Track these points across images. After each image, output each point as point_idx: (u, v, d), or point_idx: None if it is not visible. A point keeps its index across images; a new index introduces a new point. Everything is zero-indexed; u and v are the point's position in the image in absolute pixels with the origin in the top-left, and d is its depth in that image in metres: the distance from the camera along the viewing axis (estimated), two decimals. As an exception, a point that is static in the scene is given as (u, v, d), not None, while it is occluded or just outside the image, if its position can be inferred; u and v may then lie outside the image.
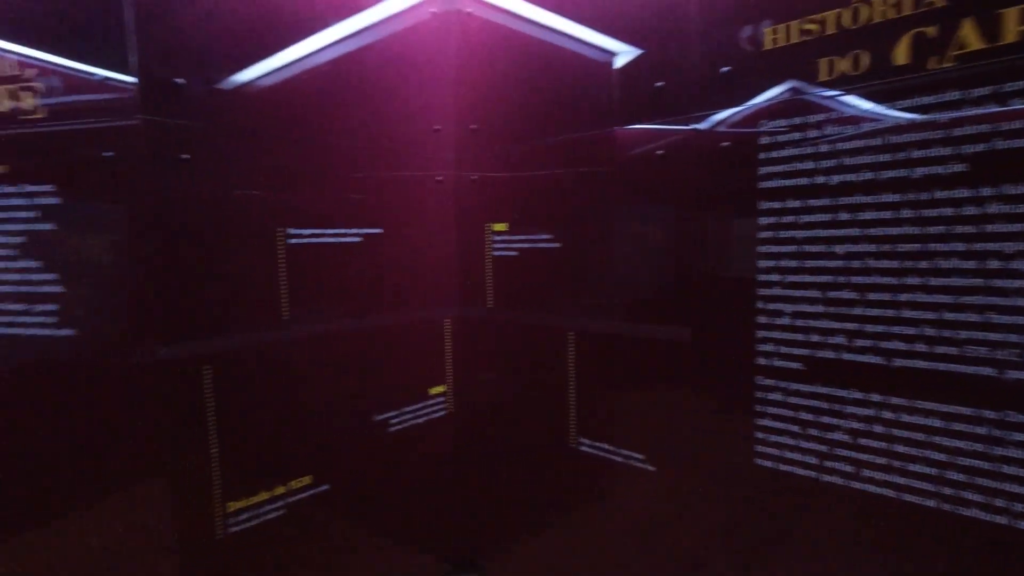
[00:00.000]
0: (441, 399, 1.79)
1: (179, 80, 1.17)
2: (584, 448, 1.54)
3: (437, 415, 1.78)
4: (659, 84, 1.28)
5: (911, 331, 0.96)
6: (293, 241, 1.38)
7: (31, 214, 1.21)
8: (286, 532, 1.42)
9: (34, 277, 1.22)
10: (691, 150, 1.24)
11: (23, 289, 1.23)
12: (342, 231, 1.49)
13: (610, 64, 1.37)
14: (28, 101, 1.19)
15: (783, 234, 1.10)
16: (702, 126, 1.21)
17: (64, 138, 1.18)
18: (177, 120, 1.17)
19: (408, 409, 1.70)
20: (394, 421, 1.66)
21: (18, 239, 1.22)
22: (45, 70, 1.17)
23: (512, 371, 1.72)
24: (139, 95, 1.12)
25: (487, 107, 1.64)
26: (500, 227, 1.67)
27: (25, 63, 1.18)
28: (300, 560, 1.46)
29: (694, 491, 1.31)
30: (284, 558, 1.43)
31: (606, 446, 1.49)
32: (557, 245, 1.54)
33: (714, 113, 1.19)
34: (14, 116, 1.20)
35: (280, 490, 1.41)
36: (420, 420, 1.73)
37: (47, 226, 1.21)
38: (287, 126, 1.36)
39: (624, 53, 1.34)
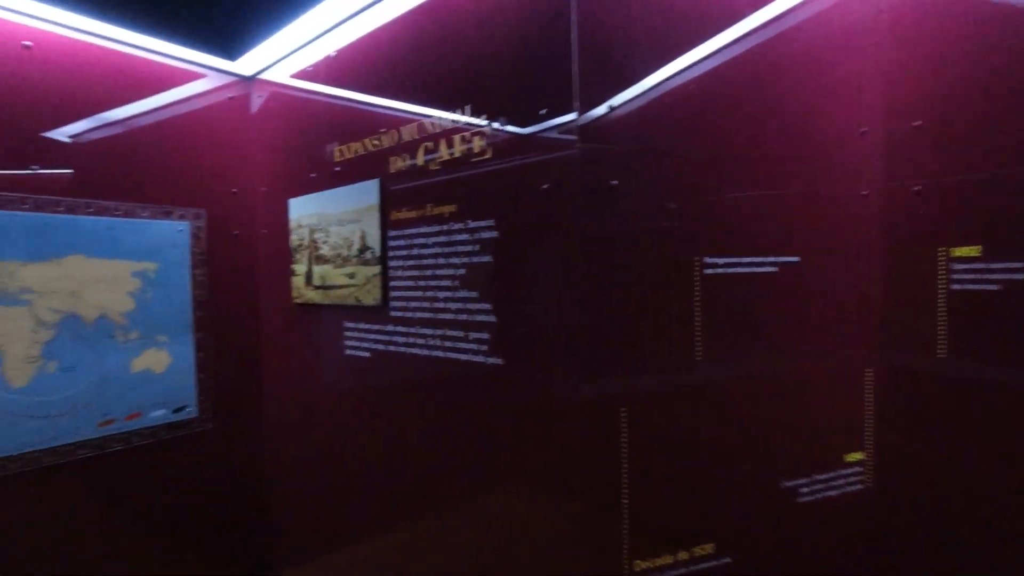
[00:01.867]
0: (858, 469, 1.41)
1: (610, 106, 1.12)
2: None
3: (853, 488, 1.41)
4: None
5: None
6: (709, 271, 1.21)
7: (473, 247, 1.30)
8: (689, 606, 1.23)
9: (472, 307, 1.31)
10: None
11: (462, 317, 1.33)
12: (757, 260, 1.27)
13: None
14: (477, 144, 1.28)
15: None
16: None
17: (506, 175, 1.23)
18: (609, 146, 1.12)
19: (820, 477, 1.37)
20: (804, 490, 1.35)
21: (460, 271, 1.33)
22: (492, 114, 1.25)
23: (957, 443, 1.25)
24: (577, 126, 1.09)
25: (941, 94, 1.25)
26: (966, 251, 1.24)
27: (477, 110, 1.28)
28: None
29: None
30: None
31: None
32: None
33: None
34: (466, 160, 1.31)
35: (683, 556, 1.23)
36: (833, 492, 1.39)
37: (485, 259, 1.28)
38: (700, 141, 1.21)
39: None
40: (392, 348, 1.52)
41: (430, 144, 1.40)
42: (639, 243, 1.16)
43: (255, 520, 2.09)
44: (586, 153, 1.10)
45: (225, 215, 1.99)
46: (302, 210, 1.82)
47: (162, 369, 1.83)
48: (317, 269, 1.77)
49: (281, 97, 1.93)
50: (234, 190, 2.02)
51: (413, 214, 1.44)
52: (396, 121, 1.49)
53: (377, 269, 1.54)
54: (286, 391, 1.98)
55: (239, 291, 2.06)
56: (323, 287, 1.74)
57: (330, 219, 1.71)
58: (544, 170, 1.16)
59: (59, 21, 1.61)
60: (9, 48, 1.54)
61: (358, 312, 1.63)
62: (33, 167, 1.57)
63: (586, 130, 1.09)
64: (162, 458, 1.84)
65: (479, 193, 1.29)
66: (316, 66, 1.76)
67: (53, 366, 1.60)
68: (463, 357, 1.33)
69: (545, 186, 1.16)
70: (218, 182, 1.98)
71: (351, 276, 1.64)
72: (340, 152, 1.67)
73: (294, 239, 1.86)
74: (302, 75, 1.83)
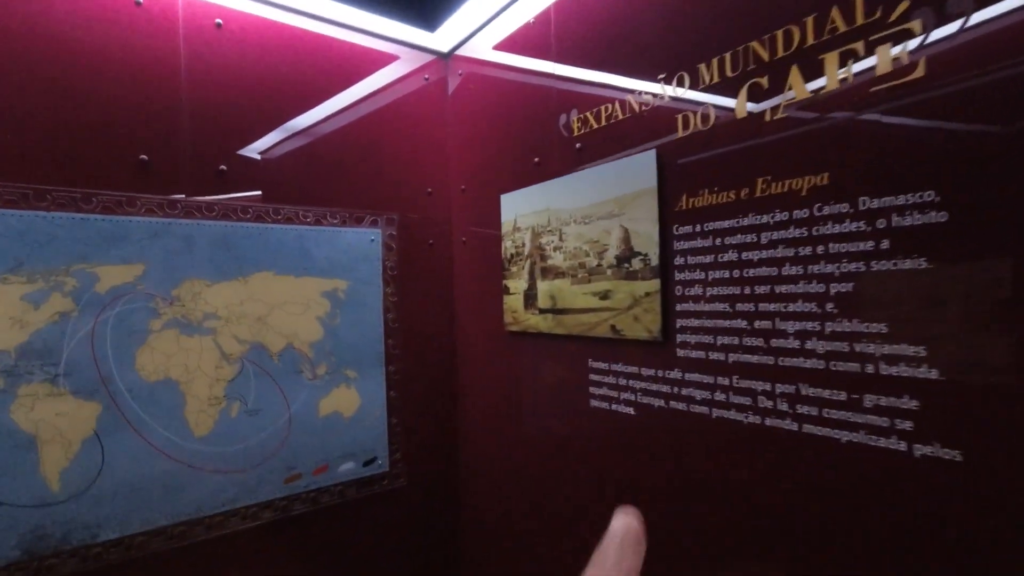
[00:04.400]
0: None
1: None
2: None
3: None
4: None
5: None
6: None
7: (872, 244, 0.73)
8: None
9: (873, 350, 0.73)
10: None
11: (845, 368, 0.76)
12: None
13: None
14: (883, 59, 0.72)
15: None
16: None
17: (960, 110, 0.65)
18: None
19: None
20: None
21: (842, 287, 0.77)
22: (931, -6, 0.68)
23: None
24: None
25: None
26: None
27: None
28: None
29: None
30: None
31: None
32: None
33: None
34: (858, 94, 0.75)
35: None
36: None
37: (907, 264, 0.70)
38: None
39: None
40: (680, 406, 0.99)
41: (760, 80, 0.86)
42: None
43: (452, 600, 1.68)
44: None
45: (418, 221, 1.62)
46: (520, 207, 1.38)
47: (351, 412, 1.49)
48: (544, 286, 1.31)
49: (484, 75, 1.52)
50: (429, 190, 1.65)
51: (726, 197, 0.91)
52: (687, 57, 0.97)
53: (653, 285, 1.03)
54: (492, 446, 1.55)
55: (435, 315, 1.67)
56: (554, 311, 1.27)
57: (566, 216, 1.24)
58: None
59: (247, -9, 1.34)
60: (203, 26, 1.28)
61: (615, 348, 1.13)
62: (221, 167, 1.30)
63: None
64: (349, 520, 1.48)
65: (892, 148, 0.72)
66: (520, 32, 1.32)
67: (236, 408, 1.30)
68: (848, 437, 0.76)
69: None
70: (411, 180, 1.62)
71: (603, 296, 1.14)
72: (582, 122, 1.20)
73: (508, 246, 1.42)
74: (505, 46, 1.40)
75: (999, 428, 0.63)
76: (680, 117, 0.99)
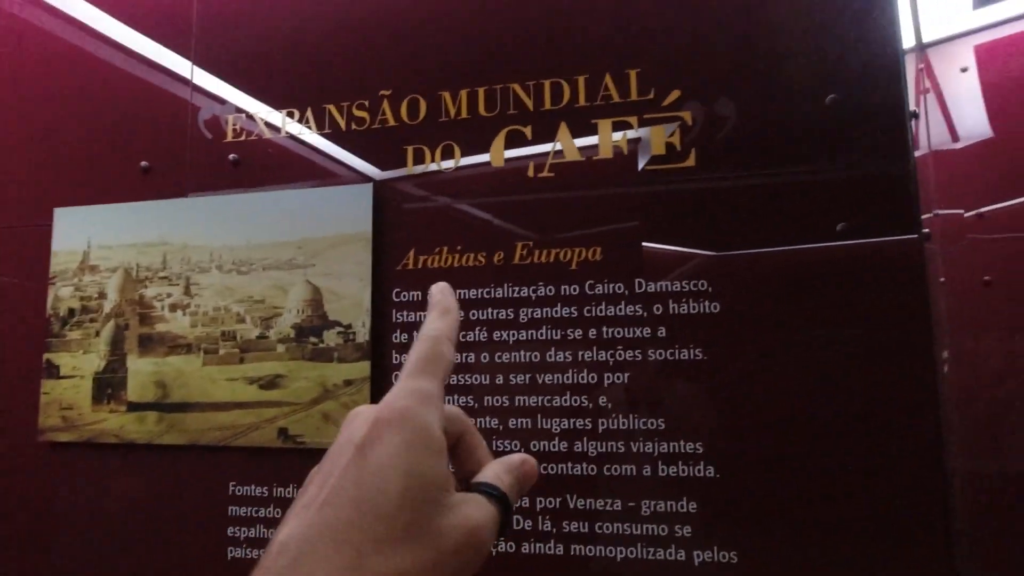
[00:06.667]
0: None
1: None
2: None
3: None
4: None
5: None
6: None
7: (649, 331, 0.67)
8: None
9: (658, 449, 0.65)
10: None
11: (641, 471, 0.66)
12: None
13: None
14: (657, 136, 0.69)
15: None
16: None
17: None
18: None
19: None
20: None
21: (618, 377, 0.67)
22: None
23: None
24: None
25: None
26: None
27: None
28: None
29: None
30: None
31: None
32: None
33: None
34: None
35: None
36: None
37: (673, 351, 0.66)
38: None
39: None
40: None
41: (523, 128, 0.73)
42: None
43: None
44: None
45: None
46: (100, 234, 0.83)
47: None
48: (143, 365, 0.79)
49: (44, 5, 0.92)
50: None
51: (474, 260, 0.72)
52: (429, 77, 0.76)
53: (359, 369, 0.72)
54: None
55: None
56: (165, 406, 0.78)
57: (201, 257, 0.79)
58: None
59: None
60: None
61: (284, 463, 0.74)
62: None
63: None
64: None
65: (666, 229, 0.68)
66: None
67: None
68: (624, 553, 0.65)
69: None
70: None
71: (267, 384, 0.75)
72: (243, 126, 0.81)
73: (64, 295, 0.83)
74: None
75: (773, 523, 0.63)
76: (411, 150, 0.75)
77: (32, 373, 0.83)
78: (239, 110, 0.81)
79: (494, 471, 0.26)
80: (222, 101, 0.82)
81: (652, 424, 0.66)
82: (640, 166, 0.69)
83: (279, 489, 0.75)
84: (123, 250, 0.82)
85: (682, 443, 0.65)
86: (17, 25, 0.92)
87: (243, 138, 0.81)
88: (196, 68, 0.83)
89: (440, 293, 0.28)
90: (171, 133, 0.83)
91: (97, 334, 0.82)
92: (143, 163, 0.84)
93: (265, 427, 0.74)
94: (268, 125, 0.80)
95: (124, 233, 0.82)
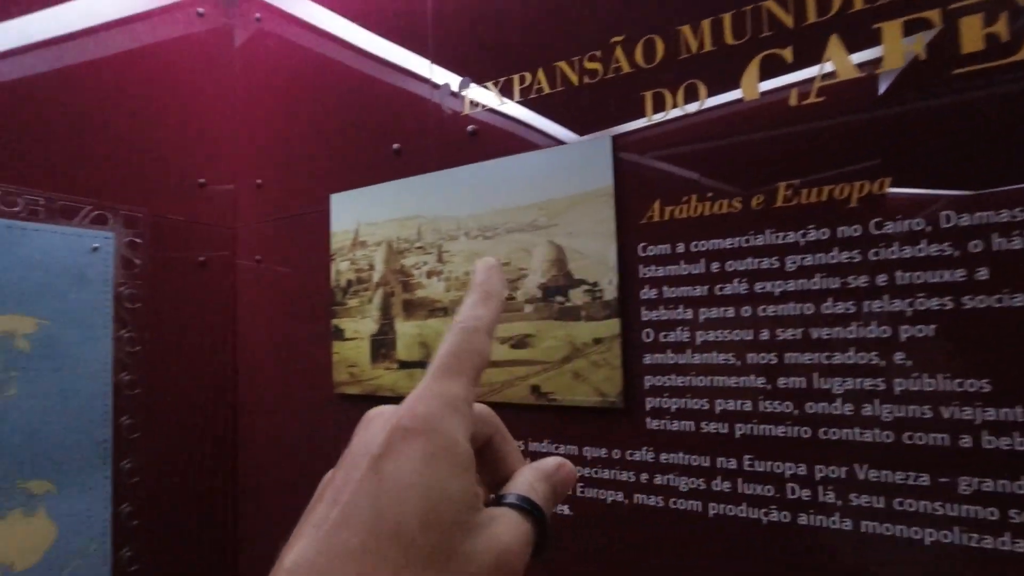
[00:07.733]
0: None
1: None
2: None
3: None
4: None
5: None
6: None
7: (968, 272, 0.55)
8: None
9: (967, 417, 0.54)
10: None
11: (931, 441, 0.56)
12: None
13: None
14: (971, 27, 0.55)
15: None
16: None
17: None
18: None
19: None
20: None
21: (920, 331, 0.57)
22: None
23: None
24: None
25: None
26: None
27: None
28: None
29: None
30: None
31: None
32: None
33: None
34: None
35: None
36: None
37: None
38: None
39: None
40: (652, 500, 0.69)
41: (781, 51, 0.64)
42: None
43: None
44: None
45: (182, 224, 1.04)
46: (367, 213, 0.94)
47: (36, 556, 0.82)
48: (408, 328, 0.89)
49: (298, 18, 1.06)
50: (201, 181, 1.08)
51: (728, 206, 0.66)
52: (663, 10, 0.71)
53: (608, 328, 0.72)
54: None
55: (206, 373, 1.08)
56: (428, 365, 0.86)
57: (450, 227, 0.86)
58: None
59: None
60: None
61: (537, 419, 0.78)
62: None
63: None
64: None
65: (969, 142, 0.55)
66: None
67: None
68: (934, 536, 0.55)
69: None
70: (172, 163, 1.03)
71: (517, 343, 0.79)
72: (478, 99, 0.85)
73: (343, 269, 0.97)
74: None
75: None
76: (650, 95, 0.71)
77: (325, 337, 0.98)
78: (473, 83, 0.85)
79: (527, 479, 0.23)
80: (458, 75, 0.87)
81: (973, 386, 0.54)
82: (948, 71, 0.56)
83: (532, 444, 0.78)
84: (385, 225, 0.92)
85: (1017, 409, 0.53)
86: (285, 47, 1.08)
87: (479, 109, 0.85)
88: (433, 41, 0.89)
89: (485, 272, 0.24)
90: (415, 115, 0.91)
91: (370, 301, 0.93)
92: (395, 146, 0.93)
93: (518, 384, 0.78)
94: (501, 92, 0.82)
95: (384, 210, 0.93)
